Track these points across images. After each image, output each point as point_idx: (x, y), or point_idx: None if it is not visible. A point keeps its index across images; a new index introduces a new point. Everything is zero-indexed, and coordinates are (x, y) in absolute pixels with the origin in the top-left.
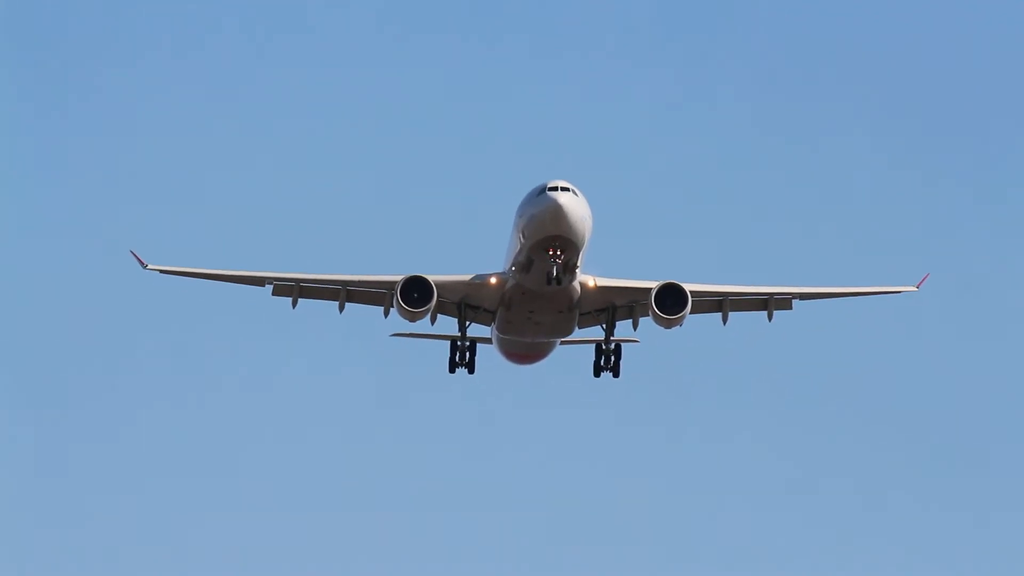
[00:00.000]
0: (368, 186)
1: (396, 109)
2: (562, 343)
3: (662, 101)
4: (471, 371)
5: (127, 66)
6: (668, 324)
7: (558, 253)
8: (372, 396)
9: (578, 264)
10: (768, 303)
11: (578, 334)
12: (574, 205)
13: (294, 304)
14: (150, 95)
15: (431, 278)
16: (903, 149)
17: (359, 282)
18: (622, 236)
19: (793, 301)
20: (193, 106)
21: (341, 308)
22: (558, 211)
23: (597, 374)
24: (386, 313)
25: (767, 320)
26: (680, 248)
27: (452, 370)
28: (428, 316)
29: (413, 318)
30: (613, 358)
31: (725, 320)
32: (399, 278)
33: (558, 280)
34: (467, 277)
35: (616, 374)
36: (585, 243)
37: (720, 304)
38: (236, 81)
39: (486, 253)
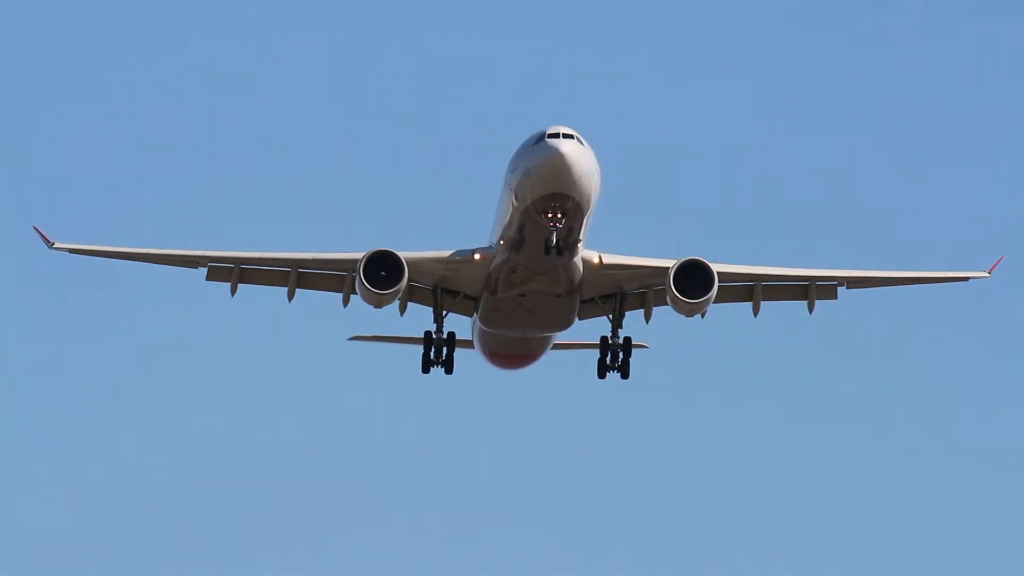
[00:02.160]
0: (323, 152)
1: (352, 63)
2: (555, 347)
3: (682, 49)
4: (448, 371)
5: (38, 29)
6: (689, 311)
7: (559, 216)
8: (327, 401)
9: (581, 235)
10: (809, 290)
11: (577, 331)
12: (579, 155)
13: (233, 290)
14: (69, 59)
15: (402, 254)
16: (970, 113)
17: (313, 261)
18: (632, 211)
19: (839, 289)
20: (125, 71)
21: (291, 295)
22: (560, 162)
23: (602, 374)
24: (345, 300)
25: (807, 312)
26: (701, 227)
27: (426, 369)
28: (397, 303)
29: (379, 303)
30: (621, 355)
31: (756, 310)
32: (362, 254)
33: (558, 249)
34: (445, 254)
35: (625, 374)
36: (591, 205)
37: (751, 291)
38: (167, 43)
39: (467, 228)
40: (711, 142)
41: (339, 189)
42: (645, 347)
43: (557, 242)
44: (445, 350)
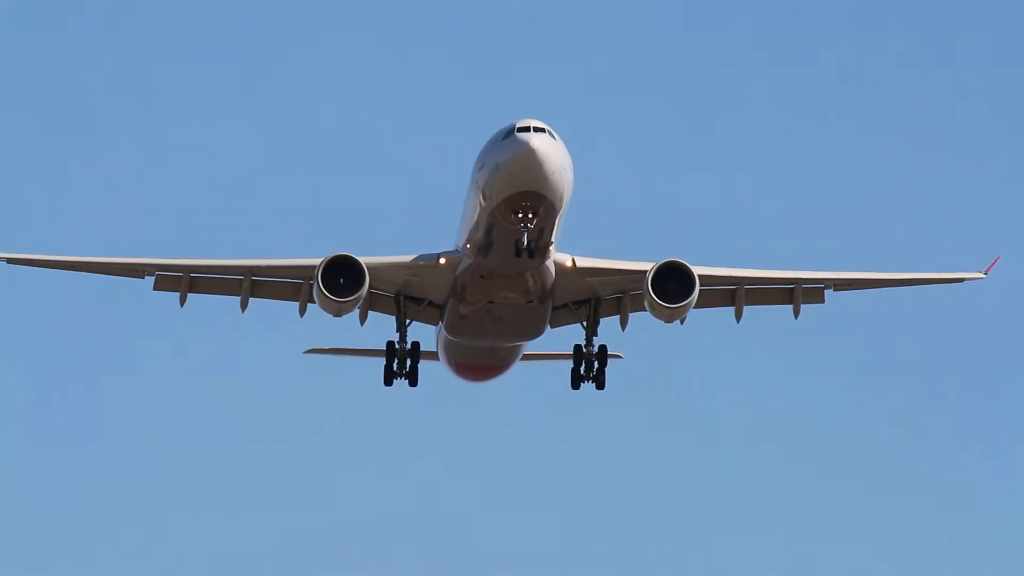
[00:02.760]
0: (279, 154)
1: (311, 55)
2: (525, 358)
3: (662, 36)
4: (413, 383)
5: None
6: (669, 316)
7: (530, 216)
8: (282, 417)
9: (553, 237)
10: (795, 293)
11: (549, 340)
12: (551, 151)
13: (182, 300)
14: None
15: (362, 260)
16: (963, 111)
17: (268, 268)
18: (605, 212)
19: (826, 292)
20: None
21: (244, 304)
22: (531, 158)
23: (576, 385)
24: (302, 309)
25: (793, 316)
26: (679, 230)
27: (388, 382)
28: (358, 312)
29: (338, 311)
30: (596, 364)
31: (739, 315)
32: (319, 260)
33: (529, 251)
34: (408, 258)
35: (600, 385)
36: (564, 203)
37: (733, 295)
38: (112, 39)
39: (432, 232)
40: (689, 139)
41: (294, 191)
42: (620, 357)
43: (528, 244)
44: (409, 361)
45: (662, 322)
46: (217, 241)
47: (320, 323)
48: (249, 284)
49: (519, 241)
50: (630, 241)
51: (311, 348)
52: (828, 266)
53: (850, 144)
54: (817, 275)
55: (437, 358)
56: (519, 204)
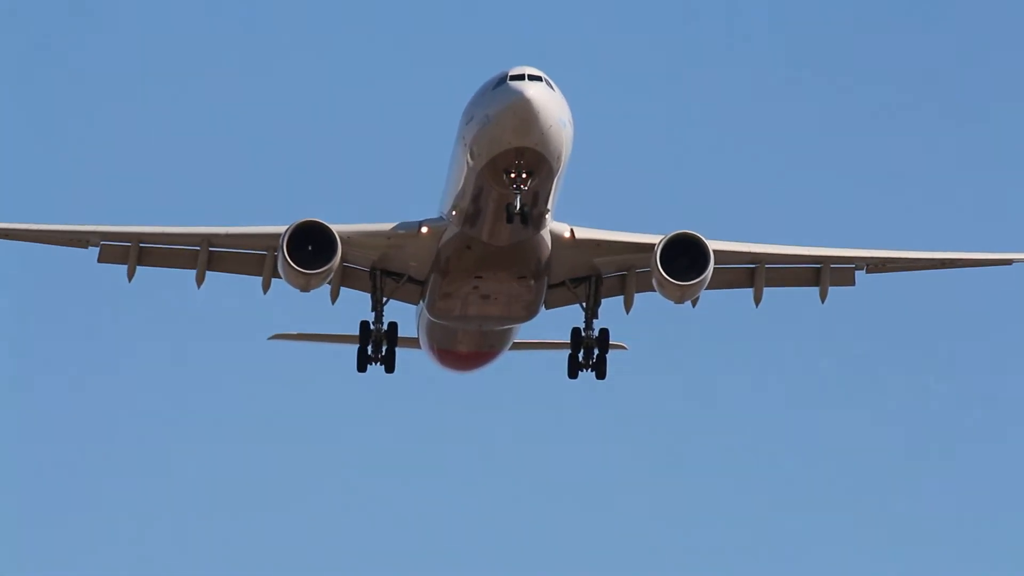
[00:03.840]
0: (240, 113)
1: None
2: (515, 347)
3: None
4: (389, 369)
5: None
6: (680, 295)
7: (523, 177)
8: (245, 408)
9: (550, 204)
10: (821, 274)
11: (544, 323)
12: (548, 101)
13: (130, 274)
14: None
15: (334, 227)
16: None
17: (227, 237)
18: (609, 180)
19: (857, 273)
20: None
21: (200, 279)
22: (525, 109)
23: (574, 374)
24: (265, 285)
25: (819, 300)
26: (692, 201)
27: (362, 367)
28: (329, 287)
29: (306, 285)
30: (596, 351)
31: (759, 298)
32: (286, 228)
33: (522, 217)
34: (387, 227)
35: (601, 374)
36: (562, 163)
37: (752, 275)
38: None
39: (413, 199)
40: (705, 101)
41: (257, 153)
42: (624, 348)
43: (521, 208)
44: (385, 344)
45: (672, 303)
46: (170, 208)
47: (286, 300)
48: (206, 256)
49: (511, 205)
50: (636, 213)
51: (276, 333)
52: (859, 244)
53: (885, 111)
54: (847, 253)
55: (417, 345)
56: (511, 163)
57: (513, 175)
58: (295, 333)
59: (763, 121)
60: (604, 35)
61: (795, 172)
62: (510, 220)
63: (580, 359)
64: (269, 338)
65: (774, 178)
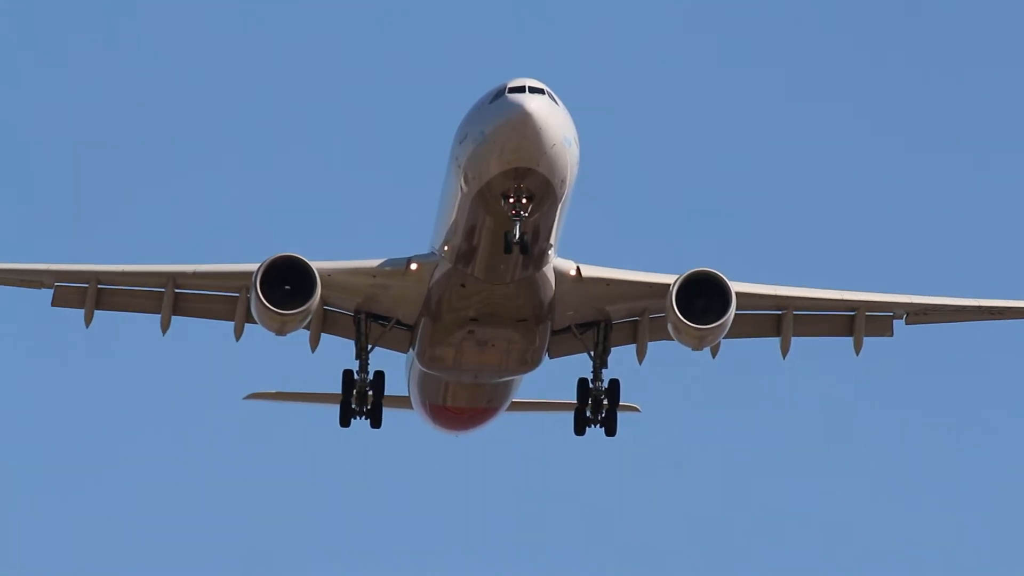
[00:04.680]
0: (210, 141)
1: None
2: (513, 407)
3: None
4: (375, 423)
5: None
6: (698, 340)
7: (523, 202)
8: (216, 469)
9: (553, 237)
10: (856, 322)
11: (548, 375)
12: (551, 117)
13: (88, 318)
14: None
15: (313, 264)
16: None
17: (195, 275)
18: (618, 216)
19: (895, 322)
20: None
21: (165, 324)
22: (525, 125)
23: (580, 430)
24: (238, 330)
25: (853, 353)
26: (709, 240)
27: (345, 421)
28: (309, 333)
29: (282, 327)
30: (606, 403)
31: (786, 348)
32: (259, 264)
33: (521, 245)
34: (371, 264)
35: (611, 430)
36: (567, 189)
37: (779, 322)
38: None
39: (401, 236)
40: (724, 130)
41: (228, 186)
42: (636, 410)
43: (521, 237)
44: (371, 395)
45: (689, 350)
46: (133, 245)
47: (260, 347)
48: (172, 297)
49: (509, 233)
50: (647, 251)
51: (252, 393)
52: (897, 289)
53: (924, 141)
54: (885, 298)
55: (407, 404)
56: (510, 186)
57: (512, 200)
58: (272, 392)
59: (788, 153)
60: (617, 55)
61: (827, 210)
62: (508, 250)
63: (588, 414)
64: (244, 398)
65: (801, 216)
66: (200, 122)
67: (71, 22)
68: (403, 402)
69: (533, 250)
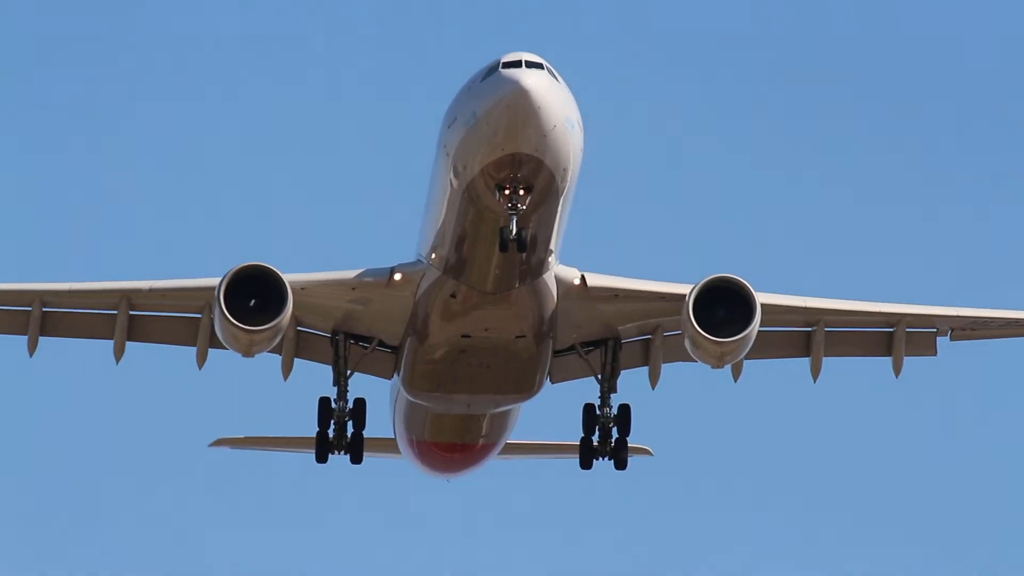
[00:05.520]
0: (170, 145)
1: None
2: (507, 450)
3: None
4: (356, 458)
5: None
6: (718, 356)
7: (519, 193)
8: (180, 511)
9: (554, 237)
10: (895, 340)
11: (551, 401)
12: (550, 94)
13: (32, 346)
14: None
15: (285, 276)
16: None
17: (152, 293)
18: (625, 223)
19: (938, 339)
20: None
21: (119, 351)
22: (522, 102)
23: (587, 463)
24: (201, 357)
25: (892, 374)
26: (727, 249)
27: (322, 457)
28: (280, 356)
29: (249, 347)
30: (615, 431)
31: (817, 370)
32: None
33: (519, 242)
34: (349, 275)
35: (620, 463)
36: (569, 180)
37: (808, 340)
38: None
39: (383, 246)
40: (742, 128)
41: (189, 196)
42: (648, 452)
43: (518, 233)
44: (351, 427)
45: (709, 367)
46: (84, 262)
47: (226, 374)
48: (126, 320)
49: (505, 229)
50: (657, 261)
51: (219, 439)
52: (939, 302)
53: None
54: (928, 311)
55: (392, 448)
56: (505, 175)
57: (507, 191)
58: (241, 439)
59: (814, 156)
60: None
61: (857, 217)
62: (504, 248)
63: (595, 444)
64: (210, 445)
65: (828, 224)
66: (156, 121)
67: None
68: (386, 445)
69: (531, 250)
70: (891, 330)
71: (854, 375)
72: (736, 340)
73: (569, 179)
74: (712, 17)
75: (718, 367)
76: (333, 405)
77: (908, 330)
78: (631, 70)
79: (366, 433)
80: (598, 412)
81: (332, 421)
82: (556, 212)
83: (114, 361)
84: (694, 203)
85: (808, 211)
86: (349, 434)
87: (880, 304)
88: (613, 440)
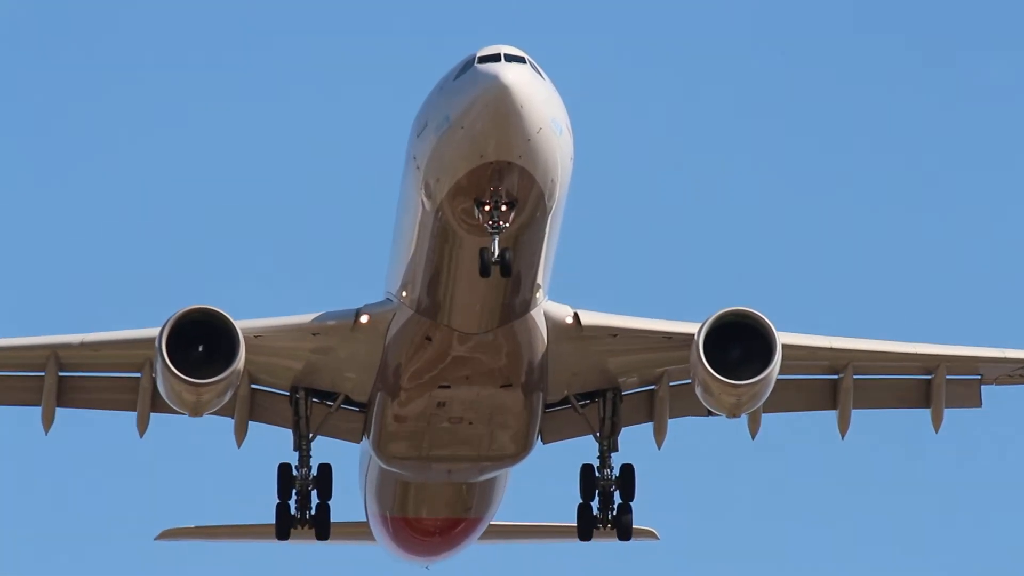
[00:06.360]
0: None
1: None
2: (491, 533)
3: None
4: (321, 533)
5: None
6: (733, 403)
7: (501, 209)
8: None
9: (541, 266)
10: (933, 388)
11: (543, 464)
12: (534, 92)
13: None
14: None
15: (237, 323)
16: None
17: (85, 348)
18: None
19: (983, 387)
20: None
21: (48, 420)
22: (501, 99)
23: (585, 533)
24: (142, 422)
25: (932, 428)
26: (736, 287)
27: (283, 532)
28: (233, 416)
29: (196, 403)
30: (617, 495)
31: (845, 424)
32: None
33: (503, 265)
34: (308, 319)
35: (624, 533)
36: (557, 195)
37: (835, 390)
38: None
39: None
40: (754, 148)
41: (125, 237)
42: (653, 536)
43: (502, 255)
44: (315, 497)
45: (723, 416)
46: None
47: (171, 443)
48: (55, 381)
49: (486, 251)
50: (659, 298)
51: (166, 531)
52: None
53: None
54: (971, 352)
55: (364, 533)
56: (484, 188)
57: (488, 207)
58: (192, 528)
59: (837, 173)
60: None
61: (888, 245)
62: (485, 272)
63: (595, 511)
64: (156, 538)
65: (851, 258)
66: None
67: None
68: (356, 530)
69: (516, 279)
70: (929, 377)
71: (887, 429)
72: (754, 383)
73: (558, 193)
74: (720, 18)
75: (733, 416)
76: (295, 472)
77: (949, 377)
78: (630, 72)
79: (333, 507)
80: (597, 474)
81: (294, 491)
82: (543, 233)
83: (42, 431)
84: (697, 229)
85: (829, 237)
86: (314, 506)
87: (916, 345)
88: (615, 505)
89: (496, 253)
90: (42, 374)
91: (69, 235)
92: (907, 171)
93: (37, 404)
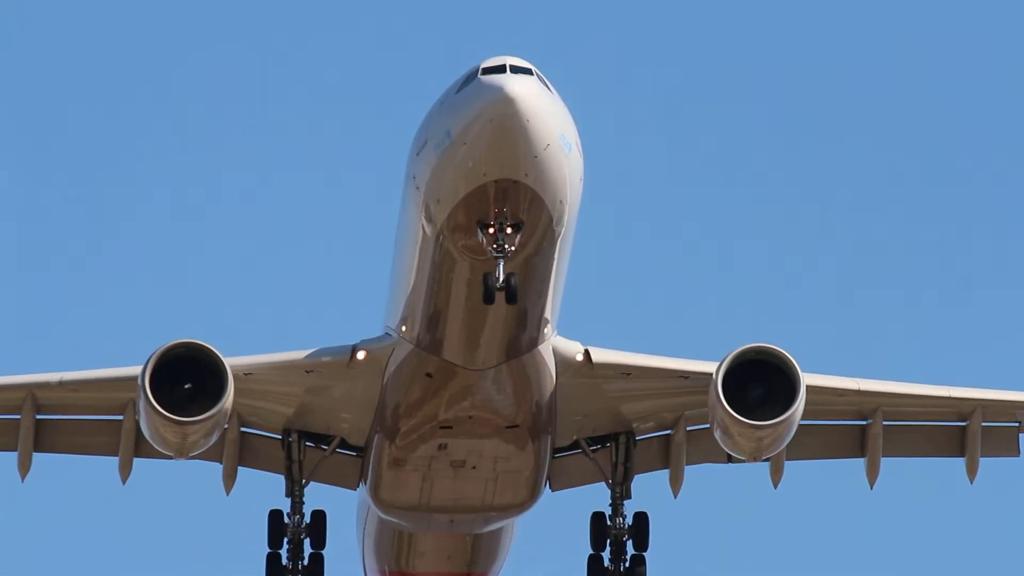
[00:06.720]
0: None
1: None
2: None
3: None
4: None
5: None
6: (754, 445)
7: (506, 231)
8: None
9: (550, 294)
10: (968, 435)
11: (552, 513)
12: (541, 105)
13: None
14: None
15: (227, 360)
16: None
17: (63, 387)
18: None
19: (1021, 435)
20: None
21: (24, 465)
22: (506, 113)
23: None
24: (124, 467)
25: (967, 480)
26: (754, 324)
27: None
28: (221, 461)
29: (182, 443)
30: (630, 545)
31: (874, 473)
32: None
33: (508, 291)
34: (301, 355)
35: None
36: (567, 216)
37: (863, 437)
38: None
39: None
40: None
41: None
42: None
43: (507, 280)
44: (308, 546)
45: (744, 459)
46: None
47: (154, 488)
48: (32, 424)
49: (490, 276)
50: (672, 336)
51: None
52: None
53: None
54: (1009, 397)
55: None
56: (488, 209)
57: (492, 230)
58: None
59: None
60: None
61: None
62: (489, 299)
63: (607, 563)
64: None
65: (875, 296)
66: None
67: None
68: None
69: (523, 309)
70: (964, 424)
71: (919, 479)
72: (776, 424)
73: (567, 215)
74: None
75: (755, 460)
76: (286, 520)
77: (984, 424)
78: (639, 89)
79: (328, 558)
80: (609, 523)
81: (286, 539)
82: (552, 260)
83: (18, 477)
84: (712, 265)
85: (851, 275)
86: (307, 555)
87: (950, 388)
88: (628, 557)
89: (501, 278)
90: (18, 416)
91: (46, 267)
92: (931, 193)
93: (13, 449)
